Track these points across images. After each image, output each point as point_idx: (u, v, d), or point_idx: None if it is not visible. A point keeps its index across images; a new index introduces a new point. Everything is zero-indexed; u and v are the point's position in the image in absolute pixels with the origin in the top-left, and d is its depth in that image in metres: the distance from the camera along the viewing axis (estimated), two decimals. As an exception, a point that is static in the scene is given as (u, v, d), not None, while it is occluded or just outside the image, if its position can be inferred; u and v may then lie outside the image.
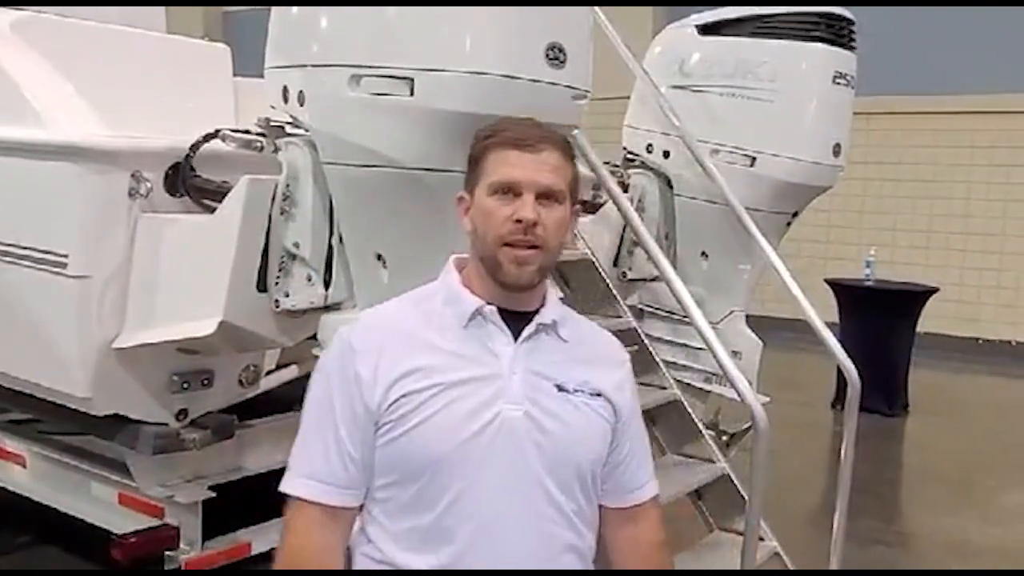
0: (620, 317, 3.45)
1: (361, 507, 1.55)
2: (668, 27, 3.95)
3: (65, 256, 2.60)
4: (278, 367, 3.22)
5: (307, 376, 3.07)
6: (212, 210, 2.56)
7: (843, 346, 3.35)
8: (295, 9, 2.28)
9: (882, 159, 9.53)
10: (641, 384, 3.45)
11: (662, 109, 3.60)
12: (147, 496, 2.94)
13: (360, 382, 1.48)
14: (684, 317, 3.83)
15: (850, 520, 3.43)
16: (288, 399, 3.37)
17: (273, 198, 2.44)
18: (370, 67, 2.10)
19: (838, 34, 3.49)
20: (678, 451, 3.48)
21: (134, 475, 2.95)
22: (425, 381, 1.48)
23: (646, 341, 3.40)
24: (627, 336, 3.38)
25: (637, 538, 1.67)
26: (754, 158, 3.55)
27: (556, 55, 2.09)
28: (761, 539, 2.99)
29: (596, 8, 2.56)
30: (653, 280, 3.99)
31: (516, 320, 1.54)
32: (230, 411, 3.03)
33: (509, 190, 1.51)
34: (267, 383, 3.14)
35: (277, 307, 2.51)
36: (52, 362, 2.72)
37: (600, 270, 3.48)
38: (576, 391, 1.55)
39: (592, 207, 3.98)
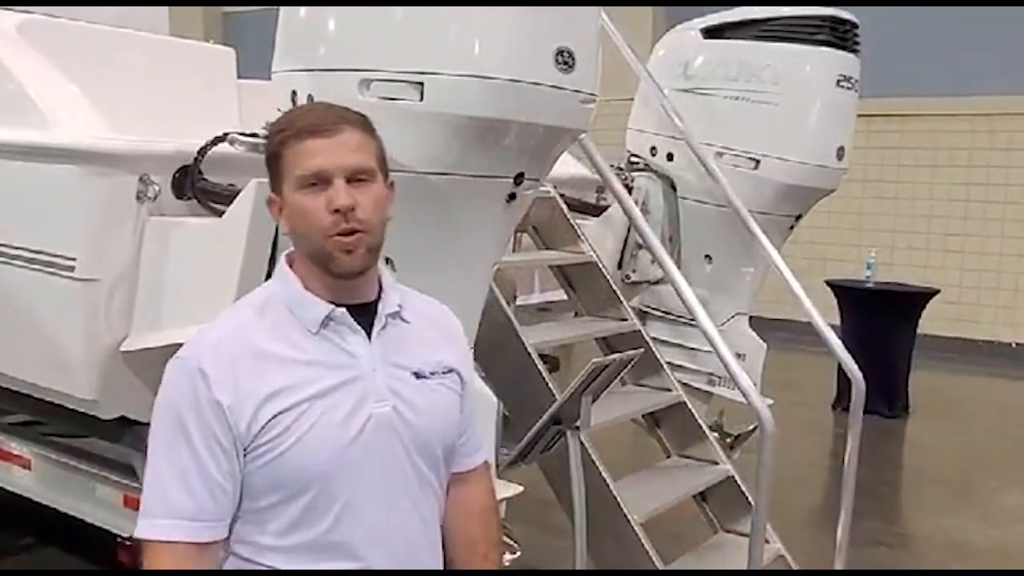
0: (624, 319, 3.46)
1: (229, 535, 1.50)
2: (672, 30, 3.96)
3: (73, 259, 2.60)
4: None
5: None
6: (220, 213, 2.56)
7: (846, 348, 3.36)
8: (303, 12, 2.28)
9: (881, 161, 9.55)
10: (645, 386, 3.49)
11: (666, 112, 3.61)
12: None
13: (223, 410, 1.41)
14: (687, 319, 3.86)
15: (852, 521, 3.44)
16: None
17: (281, 202, 2.44)
18: (380, 71, 2.10)
19: (842, 37, 3.50)
20: (682, 453, 3.50)
21: (140, 477, 2.96)
22: (293, 398, 1.43)
23: (650, 344, 3.41)
24: (632, 338, 3.39)
25: (471, 500, 1.69)
26: (758, 161, 3.57)
27: (565, 59, 2.10)
28: (766, 541, 3.00)
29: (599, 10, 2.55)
30: (656, 283, 4.01)
31: (362, 314, 1.51)
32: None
33: (317, 180, 1.44)
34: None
35: (285, 310, 2.51)
36: (59, 365, 2.72)
37: (604, 272, 3.49)
38: (432, 374, 1.56)
39: (596, 210, 4.00)
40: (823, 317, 3.36)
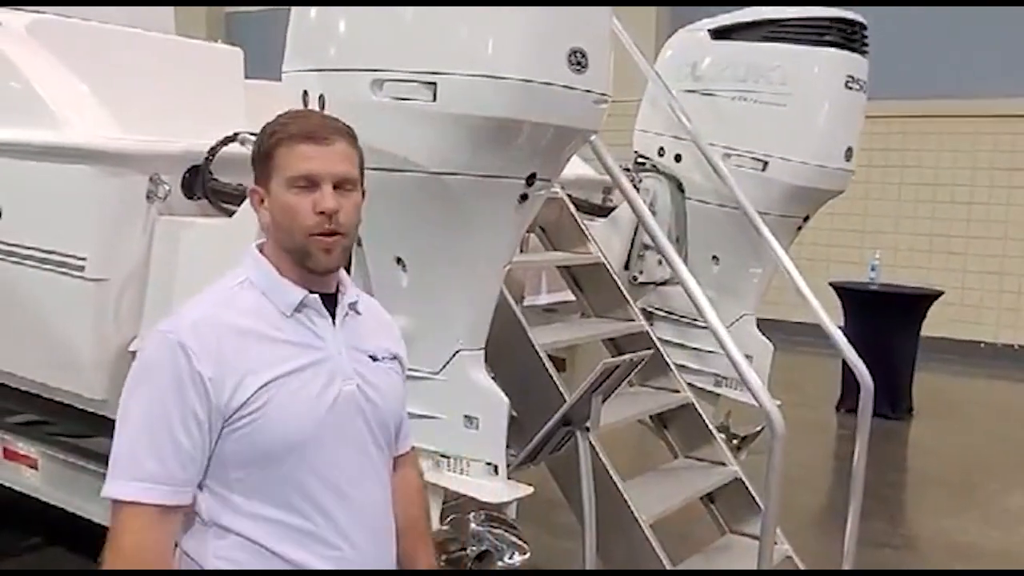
0: (632, 320, 3.46)
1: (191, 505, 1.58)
2: (680, 31, 3.95)
3: (83, 259, 2.60)
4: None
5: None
6: (230, 213, 2.56)
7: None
8: (315, 12, 2.28)
9: (885, 162, 9.54)
10: (653, 387, 3.48)
11: (675, 113, 3.61)
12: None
13: (204, 382, 1.50)
14: (693, 320, 3.87)
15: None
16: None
17: (291, 201, 2.43)
18: (393, 71, 2.10)
19: (850, 38, 3.49)
20: (689, 454, 3.49)
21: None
22: (274, 372, 1.54)
23: (658, 344, 3.40)
24: (639, 339, 3.39)
25: (408, 481, 1.84)
26: (766, 162, 3.56)
27: (578, 60, 2.09)
28: (774, 543, 2.99)
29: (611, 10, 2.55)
30: (663, 283, 4.01)
31: (326, 303, 1.64)
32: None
33: (307, 183, 1.57)
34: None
35: (295, 310, 2.51)
36: (68, 364, 2.72)
37: (612, 273, 3.48)
38: (383, 358, 1.71)
39: (603, 211, 4.00)
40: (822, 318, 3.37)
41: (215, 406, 1.51)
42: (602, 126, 2.27)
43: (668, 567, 2.89)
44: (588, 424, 2.62)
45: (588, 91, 2.14)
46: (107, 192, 2.57)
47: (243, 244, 2.41)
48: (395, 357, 1.74)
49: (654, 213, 3.77)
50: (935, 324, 7.73)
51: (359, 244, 2.43)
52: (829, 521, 4.70)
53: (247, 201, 2.45)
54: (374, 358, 1.68)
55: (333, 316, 1.64)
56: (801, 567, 3.34)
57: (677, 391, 3.45)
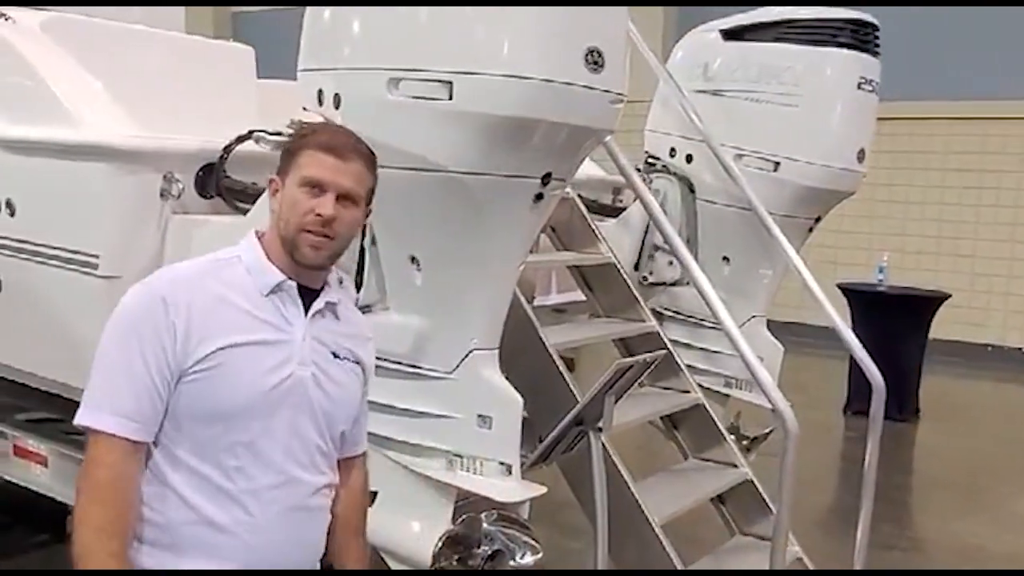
0: (643, 321, 3.45)
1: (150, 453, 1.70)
2: (691, 31, 3.95)
3: (96, 256, 2.60)
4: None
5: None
6: (244, 211, 2.56)
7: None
8: (330, 11, 2.28)
9: (892, 164, 9.53)
10: (664, 388, 3.48)
11: (686, 113, 3.60)
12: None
13: (175, 333, 1.64)
14: (703, 321, 3.86)
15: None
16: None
17: (306, 200, 2.43)
18: (409, 70, 2.10)
19: (863, 39, 3.48)
20: (699, 455, 3.49)
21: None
22: (234, 338, 1.68)
23: (669, 346, 3.40)
24: (651, 340, 3.38)
25: (354, 483, 1.95)
26: (777, 163, 3.55)
27: (595, 59, 2.09)
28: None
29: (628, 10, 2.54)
30: (673, 284, 4.00)
31: (306, 295, 1.77)
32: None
33: (316, 186, 1.72)
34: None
35: (308, 309, 2.51)
36: (81, 362, 2.71)
37: (622, 274, 3.48)
38: (344, 358, 1.83)
39: (613, 211, 3.99)
40: (831, 321, 3.37)
41: (178, 358, 1.65)
42: (618, 126, 2.26)
43: (680, 568, 2.89)
44: (601, 424, 2.62)
45: (604, 91, 2.13)
46: (121, 190, 2.57)
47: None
48: (358, 362, 1.85)
49: (665, 214, 3.76)
50: (942, 326, 7.72)
51: (374, 243, 2.43)
52: (837, 523, 4.70)
53: (260, 199, 2.47)
54: (336, 355, 1.80)
55: (309, 307, 1.77)
56: (811, 568, 3.33)
57: (687, 392, 3.44)
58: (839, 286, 7.24)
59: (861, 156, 3.53)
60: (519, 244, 2.33)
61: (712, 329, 3.80)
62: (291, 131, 2.52)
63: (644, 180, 3.74)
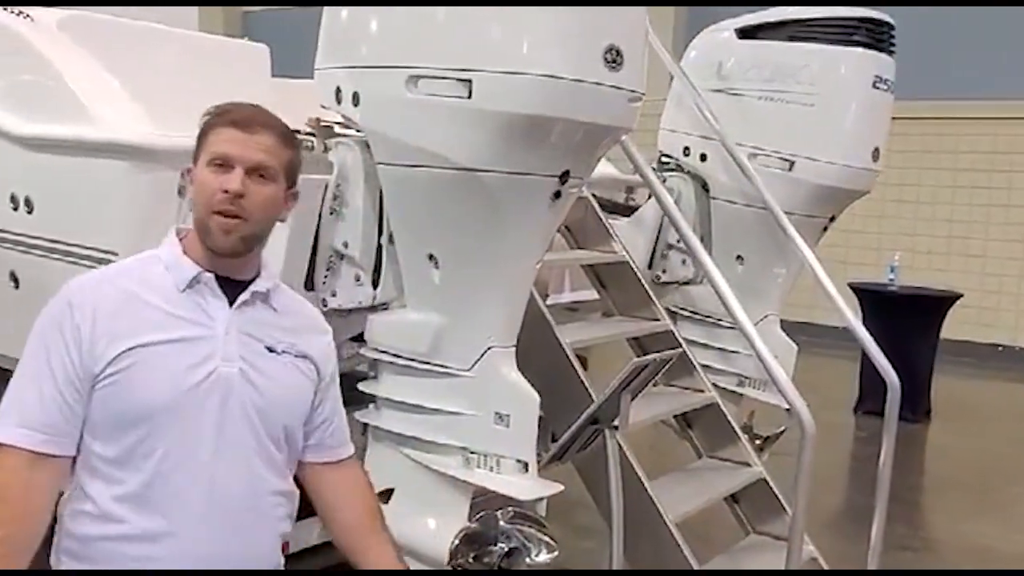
0: (657, 320, 3.45)
1: (75, 461, 1.65)
2: (705, 30, 3.94)
3: (114, 253, 2.59)
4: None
5: (343, 376, 3.12)
6: (261, 209, 2.56)
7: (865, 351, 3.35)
8: (348, 9, 2.28)
9: (903, 164, 9.50)
10: (677, 387, 3.47)
11: (701, 113, 3.60)
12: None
13: (79, 337, 1.59)
14: (717, 320, 3.86)
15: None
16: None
17: (323, 198, 2.45)
18: (428, 68, 2.10)
19: (878, 38, 3.48)
20: (713, 454, 3.48)
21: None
22: (146, 337, 1.61)
23: (684, 344, 3.40)
24: (665, 339, 3.38)
25: (351, 483, 1.88)
26: (792, 162, 3.55)
27: (614, 58, 2.09)
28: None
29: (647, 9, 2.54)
30: (686, 283, 4.00)
31: (233, 287, 1.69)
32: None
33: (223, 163, 1.65)
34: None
35: (324, 306, 2.52)
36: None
37: (636, 272, 3.47)
38: (284, 352, 1.72)
39: (626, 210, 3.99)
40: (842, 320, 3.37)
41: (86, 364, 1.59)
42: (636, 124, 2.26)
43: (695, 567, 2.89)
44: (616, 423, 2.62)
45: (623, 89, 2.14)
46: (139, 187, 2.57)
47: (274, 240, 2.43)
48: (305, 356, 1.75)
49: (678, 212, 3.76)
50: (952, 326, 7.70)
51: (391, 241, 2.44)
52: (849, 523, 4.69)
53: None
54: (271, 349, 1.71)
55: (235, 300, 1.69)
56: (826, 568, 3.33)
57: (701, 391, 3.44)
58: (850, 285, 7.23)
59: (876, 155, 3.53)
60: (537, 242, 2.34)
61: (726, 328, 3.80)
62: (309, 129, 2.54)
63: (658, 179, 3.75)
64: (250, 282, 1.71)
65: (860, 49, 3.47)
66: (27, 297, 2.93)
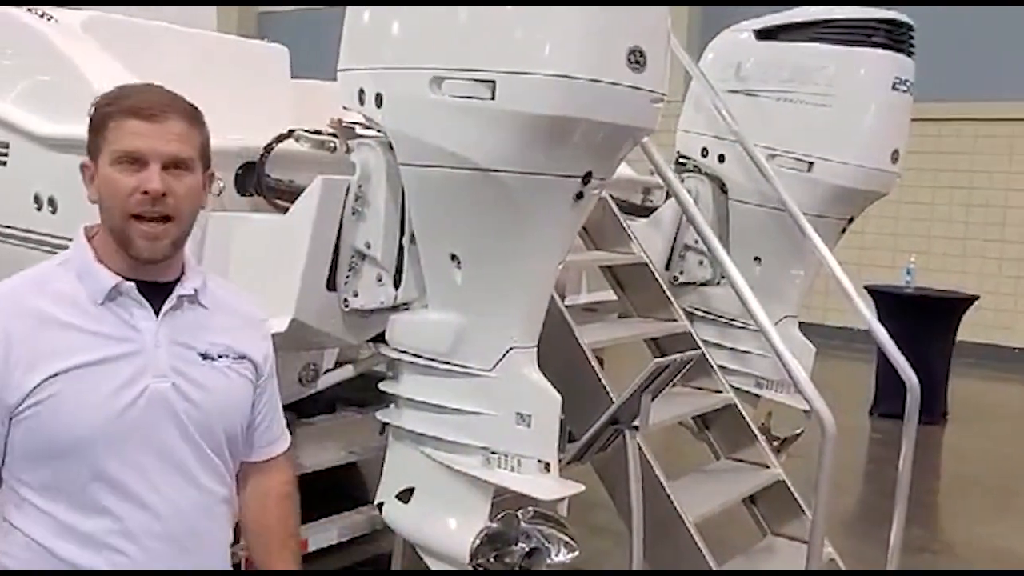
0: (675, 320, 3.45)
1: None
2: (723, 31, 3.94)
3: (137, 253, 2.62)
4: (336, 365, 3.24)
5: (361, 376, 3.13)
6: (283, 209, 2.58)
7: (882, 353, 3.34)
8: (371, 11, 2.29)
9: (919, 165, 9.44)
10: (695, 388, 3.47)
11: (720, 113, 3.60)
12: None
13: None
14: (734, 321, 3.85)
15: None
16: (331, 398, 3.41)
17: (345, 199, 2.46)
18: (452, 70, 2.11)
19: (897, 39, 3.47)
20: (731, 455, 3.48)
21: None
22: (66, 363, 1.45)
23: (702, 346, 3.40)
24: (683, 340, 3.38)
25: (267, 490, 1.73)
26: (811, 163, 3.54)
27: (637, 59, 2.10)
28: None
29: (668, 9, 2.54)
30: (704, 284, 3.99)
31: (156, 293, 1.53)
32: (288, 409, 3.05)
33: (133, 160, 1.48)
34: (324, 382, 3.16)
35: (346, 306, 2.53)
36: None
37: (654, 273, 3.48)
38: (220, 356, 1.58)
39: (643, 211, 3.99)
40: (857, 322, 3.36)
41: (2, 395, 1.44)
42: (658, 125, 2.26)
43: (714, 568, 2.89)
44: (636, 423, 2.62)
45: (646, 90, 2.14)
46: (162, 188, 2.58)
47: (298, 240, 2.46)
48: (243, 357, 1.62)
49: (696, 213, 3.76)
50: (968, 328, 7.66)
51: (412, 241, 2.44)
52: (866, 525, 4.68)
53: (301, 198, 2.49)
54: (206, 356, 1.57)
55: (161, 306, 1.54)
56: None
57: (719, 392, 3.44)
58: (866, 287, 7.20)
59: (895, 157, 3.52)
60: (559, 243, 2.34)
61: (743, 329, 3.80)
62: (332, 130, 2.55)
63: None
64: (174, 283, 1.56)
65: (879, 50, 3.46)
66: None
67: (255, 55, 3.61)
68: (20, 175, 2.89)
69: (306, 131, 2.56)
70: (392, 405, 2.58)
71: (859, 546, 4.11)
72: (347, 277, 2.52)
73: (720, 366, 3.61)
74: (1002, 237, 9.60)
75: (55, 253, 2.85)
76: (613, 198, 3.53)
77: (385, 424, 2.61)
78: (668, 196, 3.81)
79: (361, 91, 2.31)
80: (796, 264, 3.75)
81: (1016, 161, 9.51)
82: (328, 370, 3.16)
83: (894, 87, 3.46)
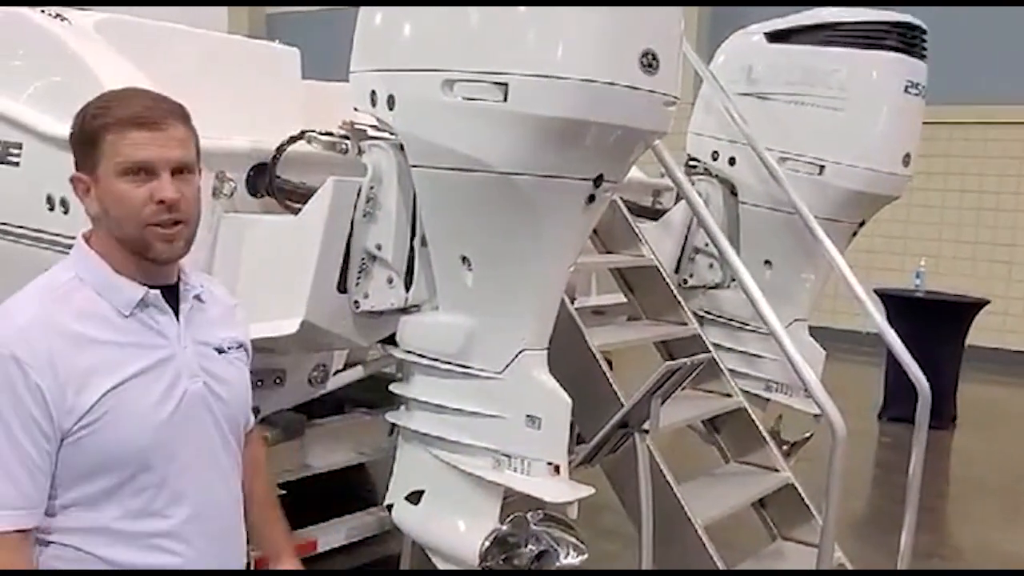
0: (684, 323, 3.45)
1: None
2: (735, 34, 3.94)
3: (148, 254, 2.62)
4: (346, 366, 3.24)
5: (371, 377, 3.13)
6: (295, 211, 2.58)
7: (891, 356, 3.33)
8: (383, 12, 2.29)
9: (929, 169, 9.42)
10: (705, 391, 3.47)
11: (731, 117, 3.59)
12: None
13: (42, 394, 1.44)
14: (744, 324, 3.85)
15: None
16: (341, 399, 3.42)
17: (356, 200, 2.46)
18: (464, 71, 2.10)
19: (909, 43, 3.46)
20: (741, 459, 3.48)
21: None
22: (112, 379, 1.48)
23: (711, 349, 3.39)
24: (693, 343, 3.38)
25: (255, 460, 1.85)
26: (822, 166, 3.54)
27: (649, 62, 2.09)
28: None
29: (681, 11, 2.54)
30: (713, 287, 3.99)
31: (167, 296, 1.58)
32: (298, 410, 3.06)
33: (140, 170, 1.49)
34: (334, 383, 3.16)
35: (357, 308, 2.53)
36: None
37: (664, 276, 3.47)
38: (229, 349, 1.66)
39: (653, 213, 3.99)
40: (866, 326, 3.35)
41: (56, 421, 1.45)
42: (670, 128, 2.26)
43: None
44: (646, 426, 2.62)
45: (658, 93, 2.14)
46: (174, 189, 2.59)
47: (309, 242, 2.46)
48: (240, 345, 1.70)
49: (706, 217, 3.75)
50: (977, 332, 7.63)
51: (424, 243, 2.45)
52: (875, 529, 4.67)
53: (312, 200, 2.49)
54: (220, 350, 1.64)
55: (176, 310, 1.58)
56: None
57: (729, 395, 3.44)
58: (876, 291, 7.18)
59: (907, 160, 3.51)
60: (570, 245, 2.34)
61: (752, 332, 3.79)
62: (343, 132, 2.55)
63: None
64: (177, 283, 1.61)
65: (892, 53, 3.46)
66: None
67: (266, 56, 3.61)
68: (33, 175, 2.90)
69: (318, 133, 2.56)
70: (402, 407, 2.58)
71: (868, 551, 4.10)
72: (358, 279, 2.52)
73: (730, 369, 3.60)
74: (1012, 241, 9.56)
75: (67, 253, 2.90)
76: (623, 200, 3.53)
77: (395, 425, 2.61)
78: (678, 199, 3.81)
79: (373, 93, 2.31)
80: (806, 268, 3.74)
81: (1027, 165, 9.48)
82: (338, 371, 3.17)
83: (906, 90, 3.46)
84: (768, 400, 3.86)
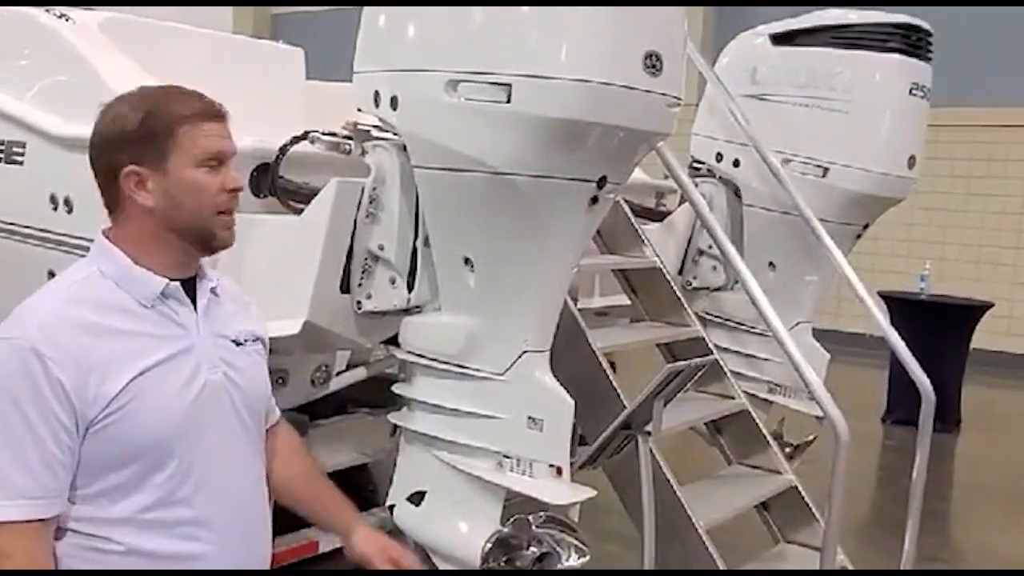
0: (688, 325, 3.44)
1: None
2: (739, 36, 3.93)
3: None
4: (348, 367, 3.24)
5: (373, 378, 3.13)
6: (298, 211, 2.58)
7: (895, 359, 3.32)
8: (387, 13, 2.29)
9: (934, 172, 9.40)
10: (708, 393, 3.46)
11: (735, 118, 3.58)
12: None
13: (63, 388, 1.45)
14: (747, 326, 3.84)
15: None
16: (343, 400, 3.41)
17: (359, 201, 2.46)
18: (468, 72, 2.10)
19: (915, 45, 3.45)
20: (743, 461, 3.47)
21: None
22: (134, 369, 1.50)
23: (715, 351, 3.39)
24: (696, 345, 3.37)
25: (286, 442, 1.88)
26: (826, 169, 3.53)
27: (654, 63, 2.09)
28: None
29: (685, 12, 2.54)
30: (717, 289, 3.98)
31: (186, 289, 1.62)
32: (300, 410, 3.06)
33: (215, 160, 1.59)
34: (336, 383, 3.16)
35: (359, 309, 2.53)
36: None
37: (668, 278, 3.47)
38: (246, 341, 1.70)
39: (656, 215, 3.98)
40: (870, 328, 3.34)
41: (79, 411, 1.47)
42: (674, 130, 2.26)
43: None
44: (649, 428, 2.62)
45: (662, 94, 2.13)
46: (177, 188, 2.59)
47: (312, 242, 2.46)
48: (257, 339, 1.74)
49: (709, 218, 3.75)
50: (982, 335, 7.62)
51: (426, 244, 2.44)
52: (879, 532, 4.66)
53: (315, 200, 2.49)
54: (237, 342, 1.67)
55: (194, 302, 1.62)
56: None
57: (732, 398, 3.43)
58: (880, 294, 7.17)
59: (912, 162, 3.50)
60: (573, 246, 2.33)
61: (756, 335, 3.78)
62: (346, 132, 2.55)
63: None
64: (195, 278, 1.65)
65: (897, 56, 3.45)
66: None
67: (270, 56, 3.62)
68: (37, 175, 2.91)
69: (321, 133, 2.56)
70: (404, 407, 2.58)
71: (871, 554, 4.09)
72: (360, 279, 2.52)
73: (733, 372, 3.60)
74: (1017, 244, 9.55)
75: (71, 253, 2.90)
76: (627, 202, 3.52)
77: (397, 426, 2.61)
78: (682, 200, 3.81)
79: (376, 93, 2.31)
80: (810, 270, 3.73)
81: (1032, 167, 9.47)
82: (340, 372, 3.17)
83: (911, 93, 3.45)
84: (772, 402, 3.85)
